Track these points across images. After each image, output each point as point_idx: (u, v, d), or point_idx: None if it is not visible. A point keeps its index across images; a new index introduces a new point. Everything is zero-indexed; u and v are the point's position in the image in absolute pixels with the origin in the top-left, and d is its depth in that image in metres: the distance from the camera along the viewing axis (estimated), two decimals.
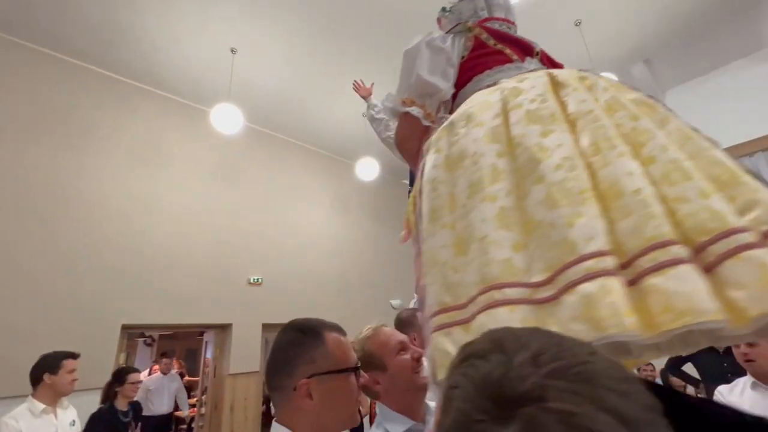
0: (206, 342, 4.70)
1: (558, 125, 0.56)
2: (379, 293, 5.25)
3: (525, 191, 0.53)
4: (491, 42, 0.90)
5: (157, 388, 4.14)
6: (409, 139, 0.92)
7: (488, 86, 0.78)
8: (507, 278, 0.48)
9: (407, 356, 0.94)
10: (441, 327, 0.54)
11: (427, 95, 0.87)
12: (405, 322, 1.55)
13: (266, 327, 4.17)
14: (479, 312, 0.49)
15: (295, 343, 0.73)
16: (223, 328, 4.07)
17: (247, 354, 3.97)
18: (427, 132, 0.86)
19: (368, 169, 4.45)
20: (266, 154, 4.74)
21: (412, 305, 2.48)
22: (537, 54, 0.93)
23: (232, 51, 3.57)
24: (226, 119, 3.47)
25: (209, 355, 4.53)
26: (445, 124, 0.74)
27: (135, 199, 3.66)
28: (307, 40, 3.53)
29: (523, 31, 1.04)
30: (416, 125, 0.89)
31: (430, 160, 0.72)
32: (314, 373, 0.68)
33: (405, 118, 0.90)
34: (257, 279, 4.21)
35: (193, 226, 3.93)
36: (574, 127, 0.56)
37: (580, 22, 3.33)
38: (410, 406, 0.90)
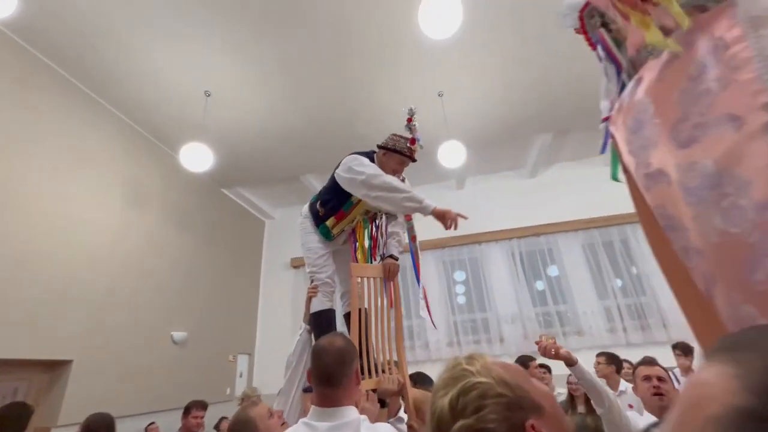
0: None
1: None
2: (159, 321, 3.98)
3: None
4: None
5: None
6: None
7: None
8: None
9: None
10: None
11: None
12: None
13: None
14: None
15: None
16: None
17: None
18: None
19: (198, 157, 3.53)
20: (36, 90, 3.08)
21: (300, 335, 1.87)
22: None
23: None
24: None
25: None
26: None
27: None
28: None
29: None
30: None
31: None
32: None
33: None
34: None
35: None
36: None
37: (442, 94, 3.89)
38: None
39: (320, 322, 1.85)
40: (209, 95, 3.75)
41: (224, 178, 5.10)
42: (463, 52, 3.41)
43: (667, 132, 0.55)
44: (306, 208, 2.12)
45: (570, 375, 1.82)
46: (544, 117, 4.39)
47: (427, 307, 1.96)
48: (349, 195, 1.92)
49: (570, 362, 1.50)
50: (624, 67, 0.75)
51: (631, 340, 4.28)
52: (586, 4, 0.86)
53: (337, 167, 1.93)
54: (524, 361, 3.10)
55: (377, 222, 2.07)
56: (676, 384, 2.17)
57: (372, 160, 1.93)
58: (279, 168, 4.97)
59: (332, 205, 1.96)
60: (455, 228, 1.72)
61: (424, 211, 1.70)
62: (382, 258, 1.99)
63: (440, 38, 2.77)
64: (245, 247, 5.70)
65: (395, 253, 1.99)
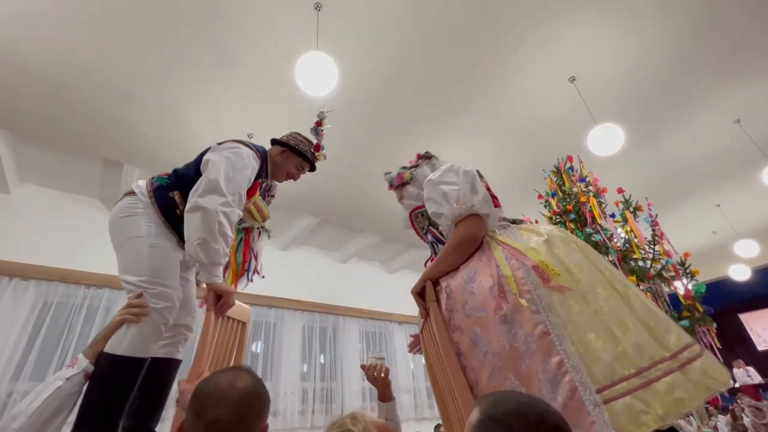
0: None
1: None
2: None
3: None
4: None
5: None
6: (477, 240, 1.10)
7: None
8: None
9: None
10: None
11: (491, 215, 1.17)
12: None
13: None
14: None
15: None
16: None
17: None
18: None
19: None
20: None
21: (66, 378, 1.00)
22: None
23: None
24: None
25: None
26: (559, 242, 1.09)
27: None
28: None
29: None
30: (482, 230, 1.11)
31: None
32: None
33: (478, 221, 1.11)
34: None
35: None
36: None
37: (252, 135, 3.70)
38: None
39: (122, 373, 1.07)
40: None
41: None
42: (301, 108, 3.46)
43: (459, 305, 1.08)
44: (145, 186, 1.32)
45: None
46: (316, 203, 4.83)
47: None
48: None
49: (387, 397, 1.43)
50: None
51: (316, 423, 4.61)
52: (416, 208, 1.39)
53: (209, 150, 1.38)
54: None
55: (251, 237, 1.54)
56: None
57: (265, 158, 1.51)
58: None
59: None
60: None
61: (210, 273, 1.21)
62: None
63: (314, 94, 2.78)
64: None
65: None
